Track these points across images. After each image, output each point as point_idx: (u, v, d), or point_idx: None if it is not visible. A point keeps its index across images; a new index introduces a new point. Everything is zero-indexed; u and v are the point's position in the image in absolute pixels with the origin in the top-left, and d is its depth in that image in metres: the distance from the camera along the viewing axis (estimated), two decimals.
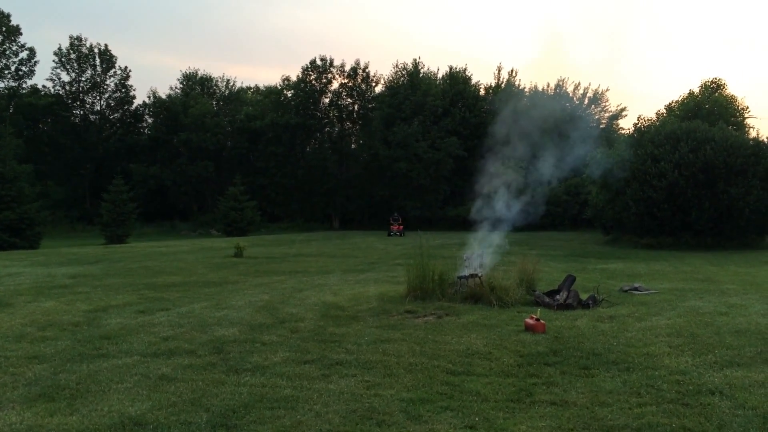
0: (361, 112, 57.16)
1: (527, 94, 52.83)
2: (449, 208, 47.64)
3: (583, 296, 10.07)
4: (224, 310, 9.31)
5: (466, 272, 10.52)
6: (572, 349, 6.80)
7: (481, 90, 55.43)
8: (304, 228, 51.50)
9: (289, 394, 5.22)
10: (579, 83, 55.21)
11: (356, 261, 18.95)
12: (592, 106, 55.48)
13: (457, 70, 54.62)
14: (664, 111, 46.35)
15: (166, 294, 11.21)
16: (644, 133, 31.67)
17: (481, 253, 11.25)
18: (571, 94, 55.16)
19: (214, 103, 63.69)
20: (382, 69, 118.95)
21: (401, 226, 39.03)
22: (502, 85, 55.86)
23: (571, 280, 10.44)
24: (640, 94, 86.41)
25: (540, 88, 54.81)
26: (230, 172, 54.10)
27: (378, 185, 51.30)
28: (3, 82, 58.86)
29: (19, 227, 28.21)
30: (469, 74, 54.82)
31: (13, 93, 58.88)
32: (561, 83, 55.22)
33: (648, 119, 39.63)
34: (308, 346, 6.96)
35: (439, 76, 55.02)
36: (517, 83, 55.99)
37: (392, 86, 52.91)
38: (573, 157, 12.61)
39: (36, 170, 43.69)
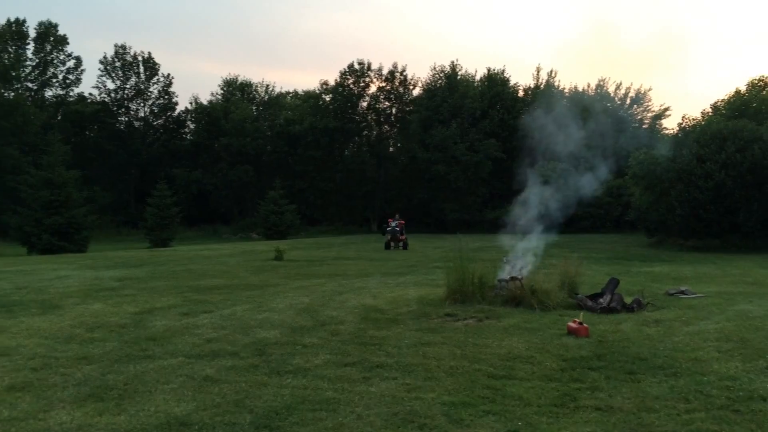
0: (398, 115, 57.23)
1: (567, 94, 52.14)
2: (488, 211, 47.23)
3: (628, 300, 9.87)
4: (266, 313, 9.41)
5: (507, 275, 10.42)
6: (617, 354, 6.67)
7: (520, 91, 54.90)
8: (343, 231, 51.77)
9: (330, 396, 5.25)
10: (620, 83, 54.23)
11: (395, 264, 18.96)
12: (635, 105, 54.39)
13: (495, 71, 54.23)
14: (710, 110, 45.20)
15: (208, 296, 11.39)
16: (689, 133, 30.92)
17: (521, 256, 11.14)
18: (612, 94, 54.21)
19: (254, 108, 64.56)
20: (420, 72, 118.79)
21: (404, 236, 26.92)
22: (541, 86, 55.21)
23: (614, 283, 10.25)
24: (684, 93, 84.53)
25: (580, 89, 54.07)
26: (270, 176, 54.76)
27: (416, 188, 51.22)
28: (51, 90, 60.74)
29: (67, 231, 29.02)
30: (507, 75, 54.36)
31: (61, 101, 60.70)
32: (602, 83, 54.33)
33: (693, 119, 38.67)
34: (349, 349, 6.99)
35: (477, 78, 54.65)
36: (556, 84, 55.31)
37: (430, 89, 52.76)
38: (616, 158, 12.40)
39: (83, 176, 44.90)
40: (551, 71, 56.02)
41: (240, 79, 65.65)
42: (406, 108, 56.24)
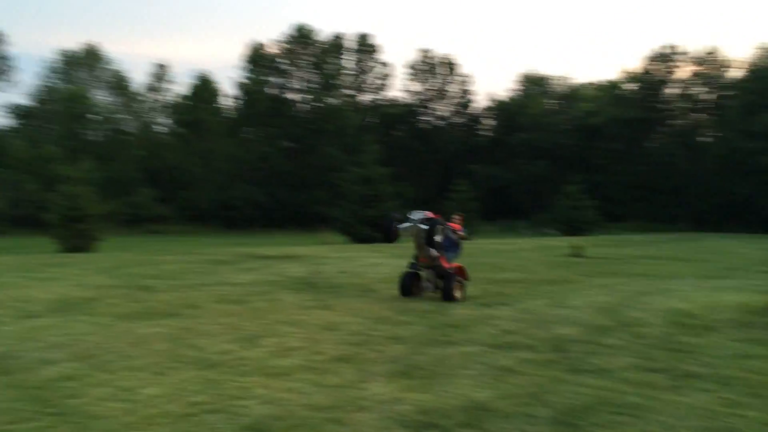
0: (713, 101, 51.39)
1: None
2: None
3: None
4: (563, 309, 9.25)
5: None
6: None
7: None
8: (647, 229, 48.23)
9: (634, 401, 4.95)
10: None
11: (712, 266, 17.10)
12: None
13: None
14: None
15: (506, 289, 11.58)
16: None
17: None
18: None
19: (551, 101, 63.79)
20: (739, 51, 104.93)
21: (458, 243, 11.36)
22: None
23: None
24: None
25: None
26: (566, 171, 53.58)
27: (737, 182, 45.47)
28: (367, 95, 67.58)
29: (379, 223, 32.02)
30: None
31: (373, 104, 67.24)
32: None
33: None
34: (655, 354, 6.51)
35: None
36: None
37: (756, 69, 46.35)
38: None
39: (393, 173, 49.18)
40: None
41: (537, 73, 65.36)
42: (723, 93, 50.22)
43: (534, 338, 7.24)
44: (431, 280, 10.40)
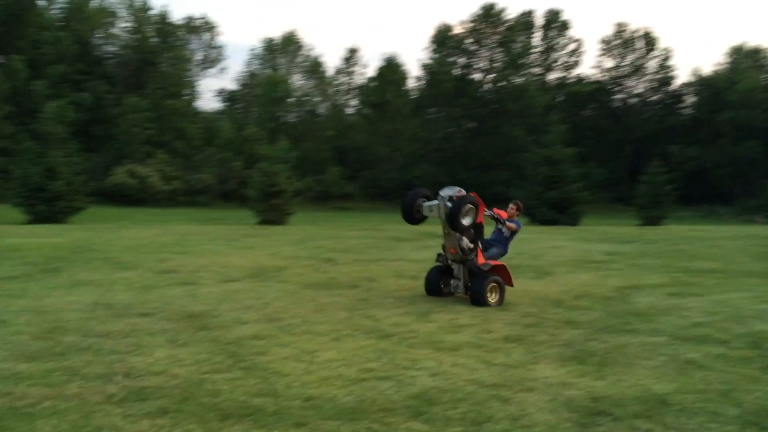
0: None
1: None
2: None
3: None
4: (767, 305, 8.31)
5: None
6: None
7: None
8: None
9: None
10: None
11: None
12: None
13: None
14: None
15: (700, 279, 10.65)
16: None
17: None
18: None
19: (765, 76, 57.06)
20: None
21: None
22: None
23: None
24: None
25: None
26: None
27: None
28: (554, 73, 65.28)
29: (561, 205, 30.92)
30: None
31: (561, 83, 64.77)
32: None
33: None
34: None
35: None
36: None
37: None
38: None
39: (579, 153, 47.20)
40: None
41: (749, 45, 58.80)
42: None
43: (728, 333, 6.59)
44: (461, 278, 8.29)
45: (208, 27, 68.16)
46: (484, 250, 8.32)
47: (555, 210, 30.63)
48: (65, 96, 49.68)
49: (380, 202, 58.32)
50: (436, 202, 7.96)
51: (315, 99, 69.25)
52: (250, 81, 69.14)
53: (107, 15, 60.77)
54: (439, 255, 8.46)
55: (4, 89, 46.18)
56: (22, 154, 28.26)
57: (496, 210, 8.64)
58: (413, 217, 8.24)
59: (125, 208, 42.47)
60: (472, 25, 63.64)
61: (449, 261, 8.31)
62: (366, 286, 9.26)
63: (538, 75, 65.56)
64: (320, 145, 61.96)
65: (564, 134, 34.47)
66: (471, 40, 63.93)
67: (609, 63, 63.07)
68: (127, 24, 60.89)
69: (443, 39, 64.23)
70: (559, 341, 6.14)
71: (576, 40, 64.28)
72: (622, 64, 62.33)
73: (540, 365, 5.30)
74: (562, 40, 64.58)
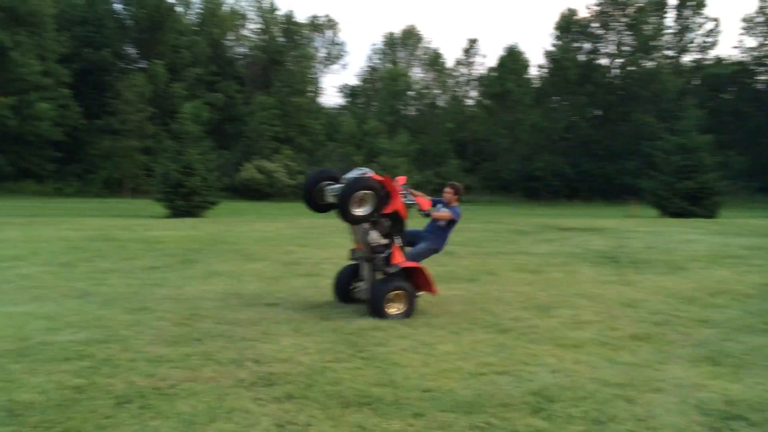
0: None
1: None
2: None
3: None
4: None
5: None
6: None
7: None
8: None
9: None
10: None
11: None
12: None
13: None
14: None
15: None
16: None
17: None
18: None
19: None
20: None
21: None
22: None
23: None
24: None
25: None
26: None
27: None
28: (689, 55, 61.22)
29: (697, 196, 29.01)
30: None
31: (697, 65, 60.60)
32: None
33: None
34: None
35: None
36: None
37: None
38: None
39: (718, 140, 44.04)
40: None
41: None
42: None
43: None
44: (369, 279, 6.83)
45: (330, 25, 70.01)
46: (411, 245, 7.06)
47: (689, 201, 28.79)
48: (200, 97, 52.98)
49: (500, 195, 57.50)
50: (339, 186, 6.65)
51: (434, 91, 69.29)
52: (370, 76, 70.41)
53: (238, 17, 63.92)
54: (353, 251, 7.08)
55: (147, 92, 49.88)
56: (163, 152, 30.41)
57: (416, 196, 6.97)
58: (315, 203, 6.98)
59: (254, 202, 44.66)
60: (598, 8, 61.02)
61: (359, 259, 7.00)
62: (485, 279, 9.20)
63: (671, 58, 61.70)
64: (440, 138, 61.88)
65: (700, 120, 32.32)
66: (597, 24, 61.28)
67: (751, 42, 58.26)
68: (256, 25, 63.76)
69: (568, 25, 62.06)
70: (691, 341, 5.80)
71: (714, 19, 59.93)
72: (766, 42, 57.33)
73: (669, 365, 5.03)
74: (698, 20, 60.41)
